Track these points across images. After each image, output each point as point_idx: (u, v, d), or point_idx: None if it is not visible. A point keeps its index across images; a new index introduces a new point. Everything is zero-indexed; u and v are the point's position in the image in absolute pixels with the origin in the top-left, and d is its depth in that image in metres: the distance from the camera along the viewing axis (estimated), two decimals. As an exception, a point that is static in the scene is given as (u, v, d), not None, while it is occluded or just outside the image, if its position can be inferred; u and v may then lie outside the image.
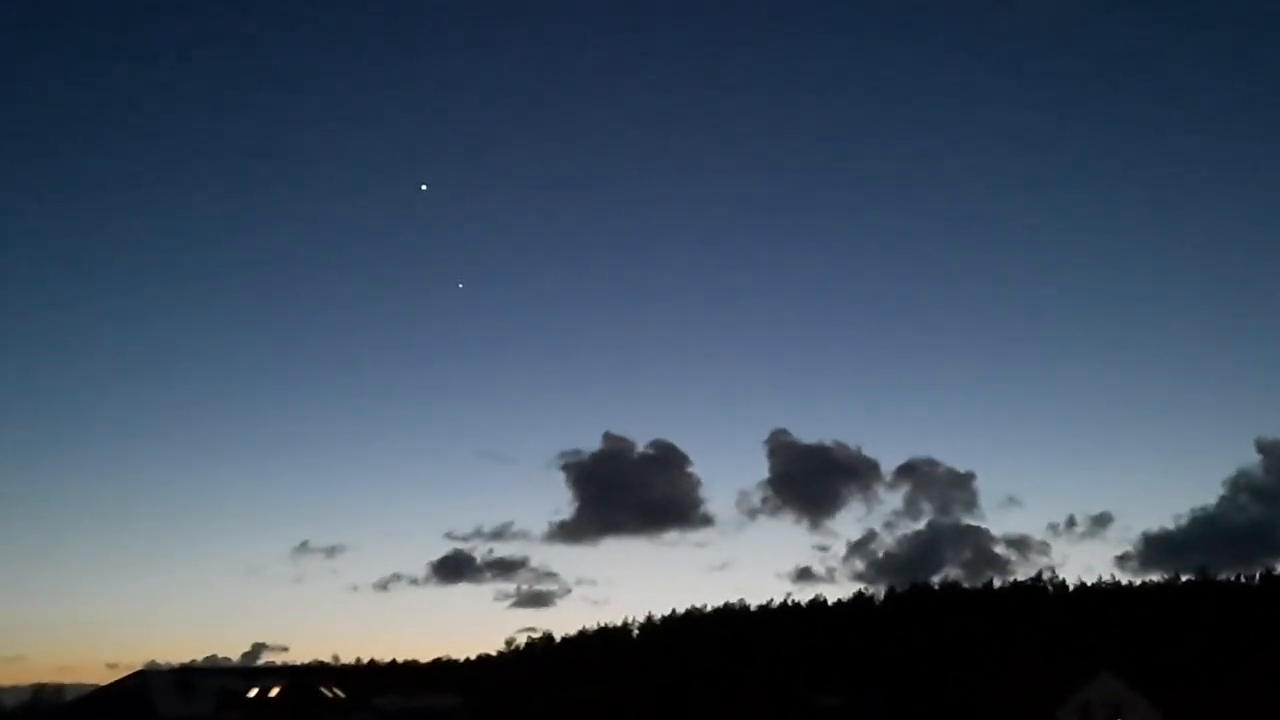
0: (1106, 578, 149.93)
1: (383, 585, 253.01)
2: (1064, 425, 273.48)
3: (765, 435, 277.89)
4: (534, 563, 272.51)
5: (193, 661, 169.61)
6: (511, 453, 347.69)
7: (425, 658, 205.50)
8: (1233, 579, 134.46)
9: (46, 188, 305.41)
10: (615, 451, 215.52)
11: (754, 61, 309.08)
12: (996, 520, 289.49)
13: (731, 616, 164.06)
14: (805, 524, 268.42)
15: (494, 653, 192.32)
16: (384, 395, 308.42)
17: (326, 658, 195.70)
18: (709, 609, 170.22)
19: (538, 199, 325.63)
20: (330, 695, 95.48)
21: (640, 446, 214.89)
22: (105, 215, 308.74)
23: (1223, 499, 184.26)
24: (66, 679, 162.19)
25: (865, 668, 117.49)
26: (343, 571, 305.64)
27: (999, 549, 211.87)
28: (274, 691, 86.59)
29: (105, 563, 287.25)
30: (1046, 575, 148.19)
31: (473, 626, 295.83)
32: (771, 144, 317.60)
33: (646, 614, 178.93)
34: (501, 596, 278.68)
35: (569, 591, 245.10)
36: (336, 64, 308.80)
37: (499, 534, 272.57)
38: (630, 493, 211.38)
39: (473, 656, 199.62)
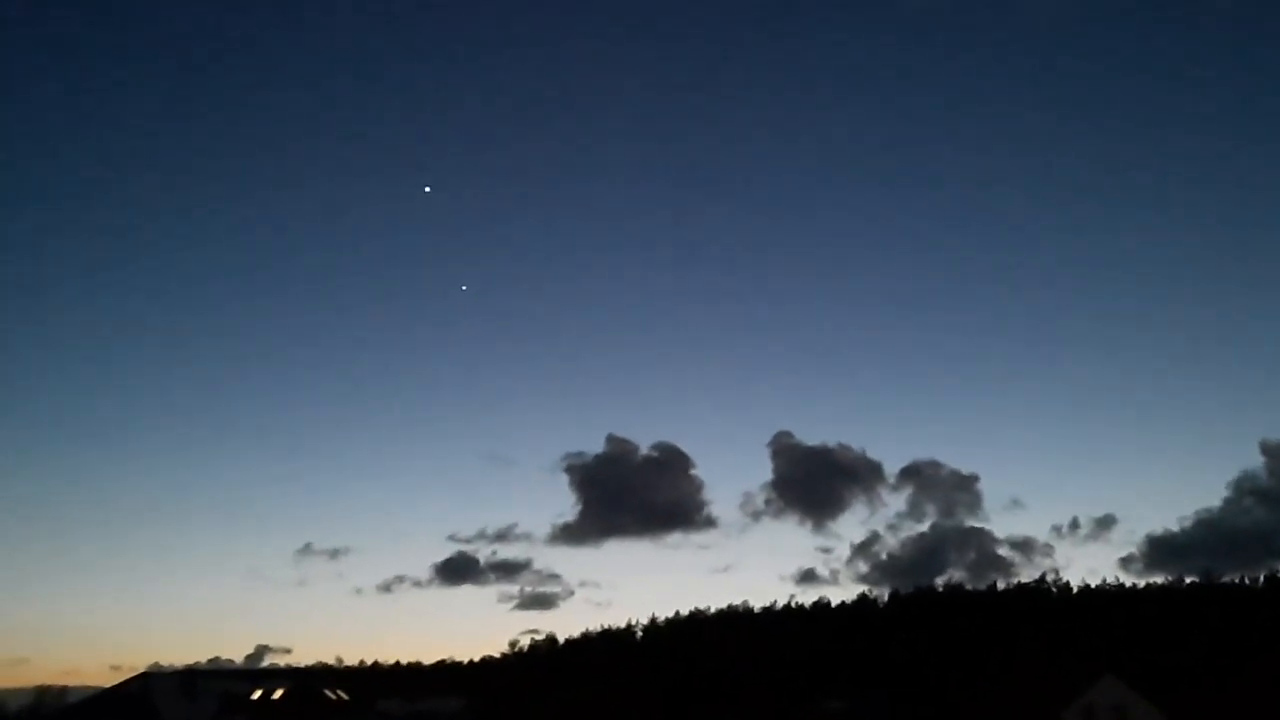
0: (1110, 580, 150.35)
1: (386, 587, 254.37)
2: (1068, 427, 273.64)
3: (769, 437, 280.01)
4: (537, 565, 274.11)
5: (196, 664, 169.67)
6: (515, 455, 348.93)
7: (429, 660, 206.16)
8: (1237, 581, 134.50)
9: (48, 190, 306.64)
10: (619, 454, 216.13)
11: (757, 63, 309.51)
12: (1000, 522, 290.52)
13: (735, 619, 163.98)
14: (809, 526, 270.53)
15: (497, 655, 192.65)
16: (387, 397, 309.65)
17: (330, 660, 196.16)
18: (712, 611, 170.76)
19: (541, 201, 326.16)
20: (334, 697, 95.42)
21: (644, 449, 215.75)
22: (109, 217, 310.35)
23: (1227, 501, 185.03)
24: (70, 681, 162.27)
25: (869, 670, 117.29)
26: (346, 574, 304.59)
27: (1003, 551, 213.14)
28: (277, 694, 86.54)
29: (108, 565, 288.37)
30: (1050, 577, 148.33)
31: (476, 628, 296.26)
32: (774, 146, 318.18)
33: (650, 616, 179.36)
34: (505, 598, 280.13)
35: (572, 593, 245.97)
36: (340, 66, 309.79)
37: (502, 536, 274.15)
38: (634, 495, 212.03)
39: (476, 659, 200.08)
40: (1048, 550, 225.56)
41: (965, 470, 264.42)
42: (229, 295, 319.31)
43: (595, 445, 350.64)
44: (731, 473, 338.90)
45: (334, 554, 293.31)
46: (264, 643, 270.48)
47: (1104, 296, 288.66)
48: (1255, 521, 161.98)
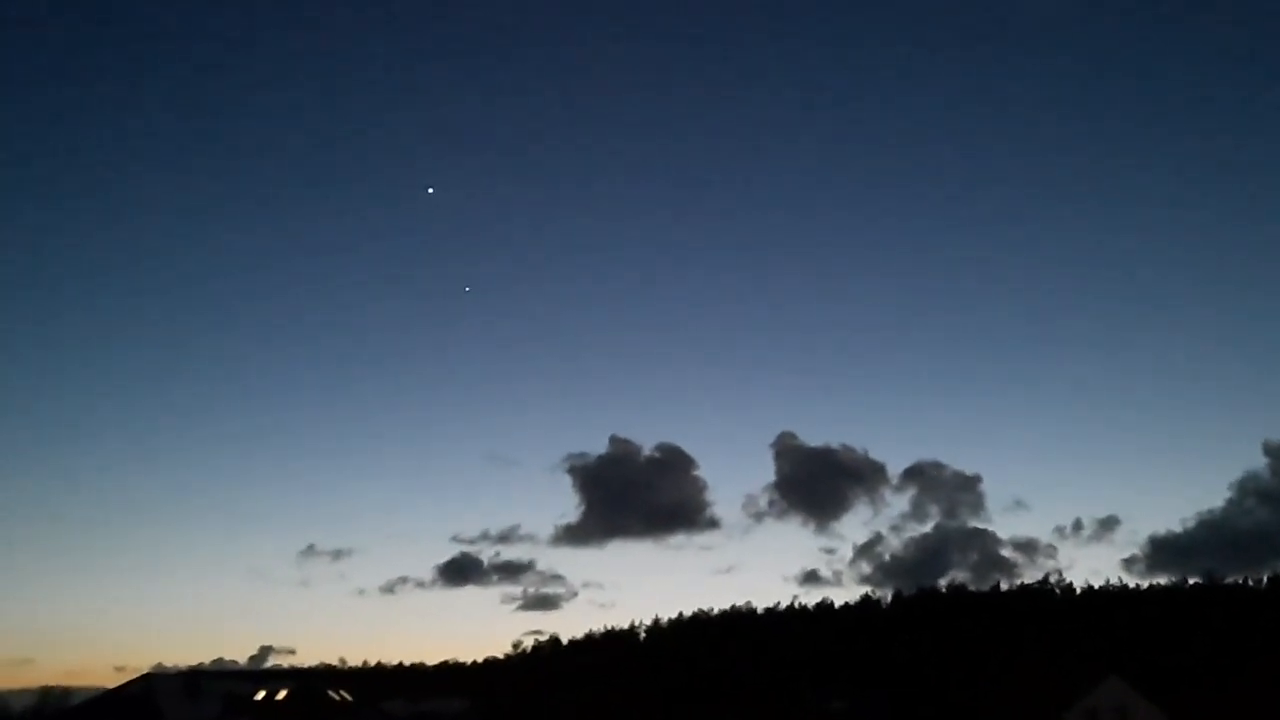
0: (1113, 581, 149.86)
1: (389, 588, 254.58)
2: (1071, 428, 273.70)
3: (771, 438, 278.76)
4: (540, 566, 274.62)
5: (200, 664, 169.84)
6: (518, 456, 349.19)
7: (432, 660, 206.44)
8: (1239, 582, 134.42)
9: (49, 191, 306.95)
10: (621, 454, 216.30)
11: (760, 65, 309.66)
12: (1003, 523, 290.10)
13: (738, 620, 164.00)
14: (811, 527, 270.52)
15: (501, 656, 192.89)
16: (390, 398, 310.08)
17: (333, 661, 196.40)
18: (715, 612, 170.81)
19: (544, 203, 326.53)
20: (337, 698, 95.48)
21: (646, 449, 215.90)
22: (110, 217, 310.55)
23: (1230, 502, 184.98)
24: (73, 682, 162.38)
25: (872, 671, 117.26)
26: (349, 575, 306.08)
27: (1006, 552, 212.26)
28: (281, 695, 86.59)
29: (112, 566, 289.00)
30: (1053, 578, 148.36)
31: (479, 629, 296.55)
32: (777, 147, 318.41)
33: (653, 617, 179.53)
34: (508, 599, 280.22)
35: (575, 594, 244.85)
36: (342, 67, 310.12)
37: (505, 537, 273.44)
38: (636, 496, 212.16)
39: (479, 659, 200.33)
40: (1050, 551, 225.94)
41: (968, 471, 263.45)
42: (231, 296, 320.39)
43: (598, 446, 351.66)
44: (734, 474, 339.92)
45: (337, 555, 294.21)
46: (267, 643, 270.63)
47: (1106, 297, 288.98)
48: (1258, 522, 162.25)
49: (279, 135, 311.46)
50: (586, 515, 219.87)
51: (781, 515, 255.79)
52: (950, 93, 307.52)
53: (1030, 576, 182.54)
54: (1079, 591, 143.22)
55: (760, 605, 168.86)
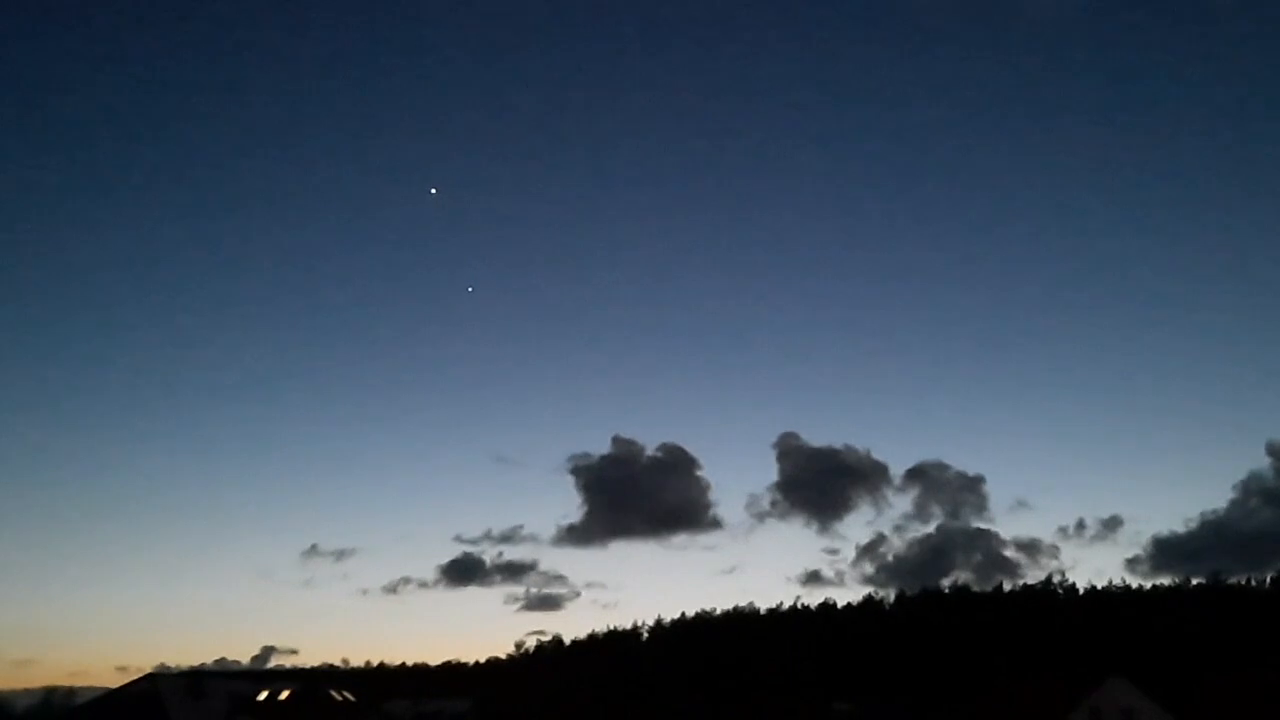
0: (1117, 581, 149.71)
1: (392, 588, 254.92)
2: (1074, 428, 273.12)
3: (774, 438, 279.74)
4: (543, 566, 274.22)
5: (203, 665, 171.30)
6: (521, 456, 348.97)
7: (435, 661, 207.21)
8: (1243, 582, 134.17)
9: (51, 191, 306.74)
10: (624, 455, 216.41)
11: (762, 66, 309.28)
12: (1006, 523, 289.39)
13: (740, 620, 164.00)
14: (814, 527, 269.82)
15: (503, 656, 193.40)
16: (393, 398, 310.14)
17: (336, 661, 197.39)
18: (718, 612, 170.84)
19: (547, 203, 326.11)
20: (340, 699, 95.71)
21: (649, 450, 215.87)
22: (114, 217, 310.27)
23: (1233, 502, 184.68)
24: (77, 682, 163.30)
25: (875, 672, 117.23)
26: (352, 575, 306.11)
27: (1009, 552, 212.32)
28: (284, 695, 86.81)
29: (115, 566, 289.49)
30: (1056, 579, 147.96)
31: (482, 630, 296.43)
32: (780, 147, 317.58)
33: (656, 617, 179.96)
34: (511, 600, 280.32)
35: (578, 595, 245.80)
36: (344, 67, 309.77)
37: (508, 537, 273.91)
38: (639, 496, 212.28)
39: (482, 660, 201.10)
40: (1054, 551, 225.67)
41: (971, 471, 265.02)
42: (233, 296, 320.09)
43: (601, 446, 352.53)
44: (737, 474, 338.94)
45: (340, 555, 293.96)
46: (270, 644, 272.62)
47: (1110, 298, 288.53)
48: (1262, 523, 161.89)
49: (280, 135, 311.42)
50: (589, 515, 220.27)
51: (784, 516, 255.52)
52: (953, 93, 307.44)
53: (1033, 577, 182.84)
54: (1082, 592, 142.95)
55: (763, 606, 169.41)
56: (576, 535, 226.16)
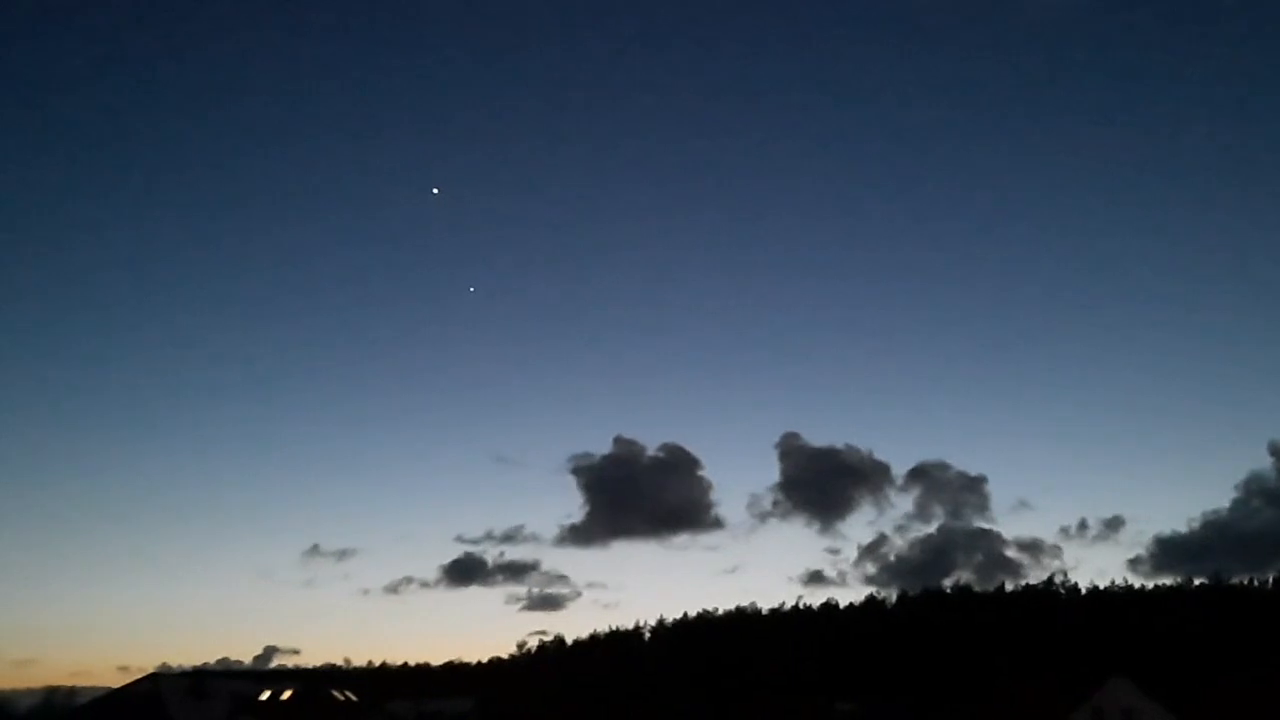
0: (1119, 581, 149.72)
1: (394, 588, 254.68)
2: (1076, 428, 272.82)
3: (776, 438, 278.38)
4: (545, 566, 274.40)
5: (205, 665, 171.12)
6: (522, 456, 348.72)
7: (437, 661, 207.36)
8: (1245, 582, 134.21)
9: (51, 191, 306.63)
10: (626, 455, 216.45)
11: (764, 67, 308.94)
12: (1008, 523, 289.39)
13: (742, 620, 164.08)
14: (816, 527, 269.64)
15: (505, 656, 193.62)
16: (395, 398, 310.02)
17: (338, 661, 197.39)
18: (720, 612, 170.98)
19: (549, 203, 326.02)
20: (342, 699, 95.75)
21: (651, 450, 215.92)
22: (116, 217, 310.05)
23: (1235, 502, 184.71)
24: (79, 682, 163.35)
25: (877, 672, 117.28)
26: (354, 575, 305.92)
27: (1010, 552, 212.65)
28: (286, 695, 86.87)
29: (117, 566, 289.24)
30: (1058, 579, 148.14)
31: (484, 630, 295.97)
32: (782, 147, 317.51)
33: (657, 617, 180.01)
34: (513, 600, 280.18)
35: (580, 595, 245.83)
36: (347, 68, 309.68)
37: (510, 537, 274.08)
38: (641, 496, 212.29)
39: (484, 660, 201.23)
40: (1056, 551, 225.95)
41: (973, 471, 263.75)
42: (235, 295, 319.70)
43: (603, 446, 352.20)
44: (739, 474, 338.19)
45: (342, 555, 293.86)
46: (272, 644, 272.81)
47: (1112, 297, 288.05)
48: (1264, 523, 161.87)
49: (280, 135, 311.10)
50: (591, 515, 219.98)
51: (786, 515, 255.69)
52: (953, 93, 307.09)
53: (1035, 577, 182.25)
54: (1084, 592, 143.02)
55: (765, 606, 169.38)
56: (578, 535, 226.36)
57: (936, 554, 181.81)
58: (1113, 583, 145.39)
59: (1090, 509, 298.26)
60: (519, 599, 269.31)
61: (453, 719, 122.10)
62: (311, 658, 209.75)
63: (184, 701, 76.48)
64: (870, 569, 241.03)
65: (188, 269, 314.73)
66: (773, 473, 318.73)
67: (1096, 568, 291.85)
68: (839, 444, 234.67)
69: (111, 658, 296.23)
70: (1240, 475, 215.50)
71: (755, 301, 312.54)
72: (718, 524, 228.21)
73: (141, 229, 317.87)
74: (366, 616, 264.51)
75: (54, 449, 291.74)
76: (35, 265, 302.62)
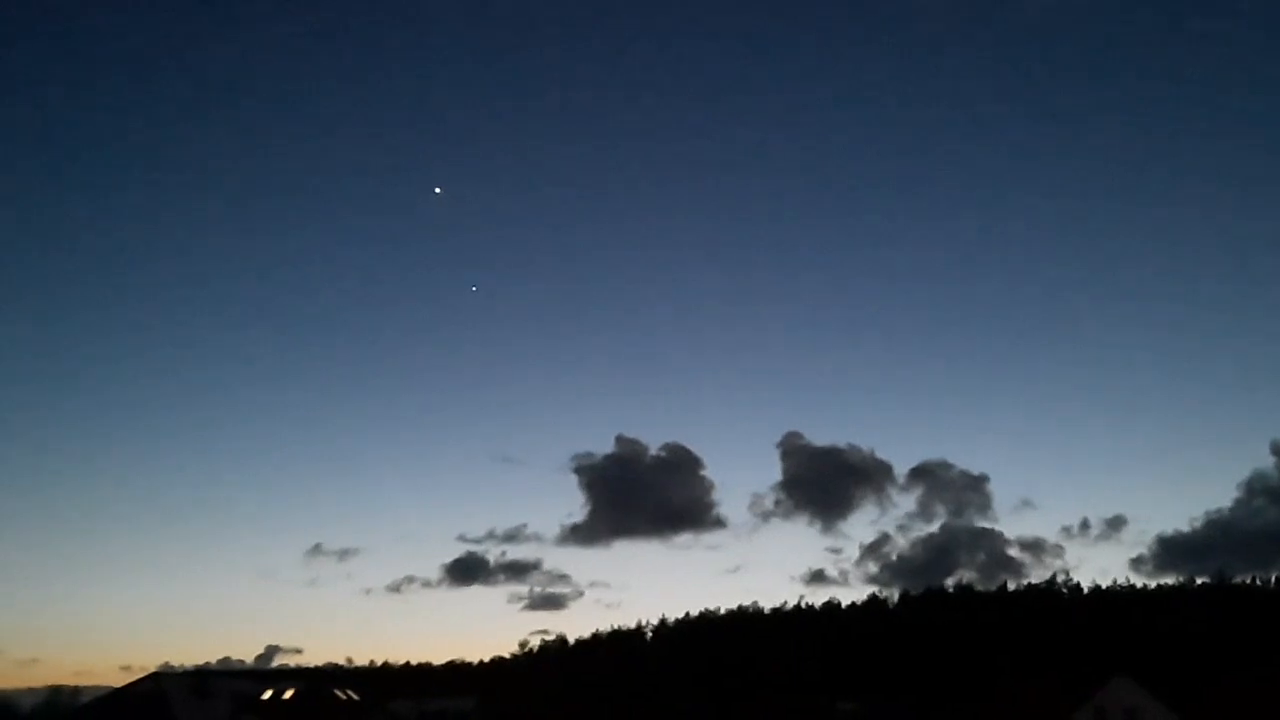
0: (1121, 581, 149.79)
1: (396, 588, 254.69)
2: (1078, 428, 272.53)
3: (778, 438, 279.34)
4: (547, 565, 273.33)
5: (207, 664, 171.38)
6: (524, 455, 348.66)
7: (439, 660, 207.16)
8: (1248, 582, 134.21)
9: (54, 191, 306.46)
10: (628, 454, 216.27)
11: (764, 67, 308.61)
12: (1010, 523, 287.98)
13: (745, 619, 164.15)
14: (818, 527, 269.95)
15: (507, 655, 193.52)
16: (396, 398, 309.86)
17: (340, 660, 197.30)
18: (722, 612, 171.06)
19: (551, 202, 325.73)
20: (344, 698, 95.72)
21: (653, 449, 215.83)
22: (118, 217, 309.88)
23: (1238, 501, 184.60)
24: (82, 681, 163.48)
25: (880, 671, 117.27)
26: (356, 574, 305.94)
27: (1013, 552, 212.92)
28: (288, 694, 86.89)
29: (120, 566, 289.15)
30: (1061, 578, 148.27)
31: (486, 629, 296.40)
32: (783, 147, 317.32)
33: (660, 616, 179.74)
34: (515, 599, 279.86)
35: (582, 594, 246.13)
36: (349, 67, 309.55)
37: (512, 537, 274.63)
38: (643, 495, 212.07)
39: (486, 659, 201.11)
40: (1058, 551, 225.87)
41: (975, 471, 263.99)
42: (236, 295, 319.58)
43: (605, 446, 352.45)
44: (741, 473, 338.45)
45: (344, 554, 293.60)
46: (274, 643, 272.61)
47: (1114, 296, 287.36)
48: (1266, 522, 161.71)
49: (284, 134, 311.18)
50: (593, 515, 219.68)
51: (788, 515, 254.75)
52: (953, 93, 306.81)
53: (1038, 576, 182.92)
54: (1086, 591, 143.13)
55: (767, 605, 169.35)
56: (580, 535, 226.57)
57: (938, 553, 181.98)
58: (1115, 582, 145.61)
59: (1092, 508, 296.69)
60: (521, 598, 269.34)
61: (455, 718, 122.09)
62: (314, 657, 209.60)
63: (186, 701, 76.50)
64: (872, 568, 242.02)
65: (188, 269, 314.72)
66: (775, 472, 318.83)
67: (1099, 567, 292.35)
68: (841, 443, 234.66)
69: (114, 657, 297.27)
70: (1243, 474, 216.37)
71: (757, 301, 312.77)
72: (720, 523, 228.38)
73: (141, 229, 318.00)
74: (368, 616, 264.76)
75: (55, 449, 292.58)
76: (35, 265, 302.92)
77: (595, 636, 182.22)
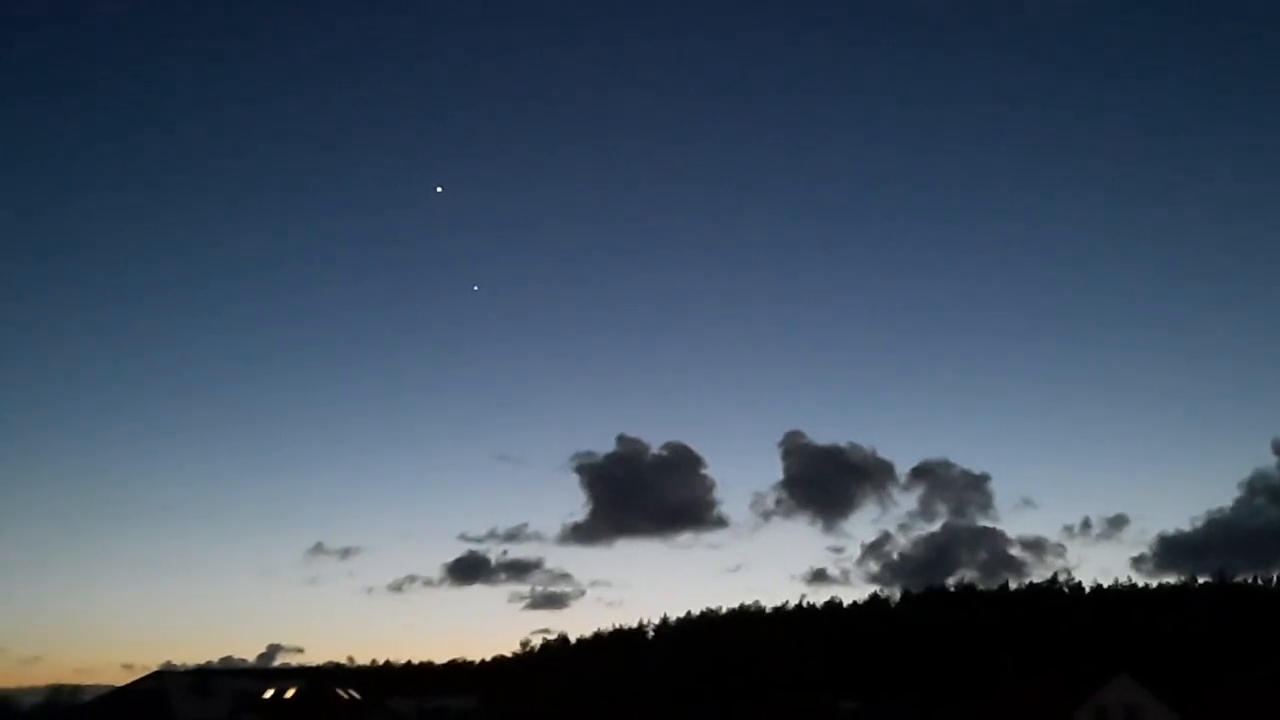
0: (1122, 580, 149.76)
1: (397, 587, 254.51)
2: (1079, 427, 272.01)
3: (780, 437, 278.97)
4: (548, 564, 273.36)
5: (209, 663, 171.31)
6: (526, 454, 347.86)
7: (440, 659, 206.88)
8: (1249, 581, 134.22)
9: (54, 189, 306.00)
10: (629, 453, 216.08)
11: (764, 67, 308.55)
12: (1011, 522, 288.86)
13: (746, 618, 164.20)
14: (820, 526, 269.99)
15: (509, 654, 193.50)
16: (398, 397, 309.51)
17: (342, 659, 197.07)
18: (723, 611, 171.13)
19: (553, 202, 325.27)
20: (346, 697, 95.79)
21: (654, 448, 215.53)
22: (118, 216, 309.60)
23: (1239, 501, 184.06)
24: (83, 680, 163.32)
25: (881, 670, 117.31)
26: (358, 573, 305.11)
27: (1014, 551, 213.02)
28: (290, 693, 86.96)
29: (121, 564, 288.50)
30: (1062, 577, 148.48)
31: (487, 628, 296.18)
32: (784, 147, 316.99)
33: (661, 615, 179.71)
34: (516, 598, 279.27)
35: (583, 593, 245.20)
36: (350, 66, 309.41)
37: (513, 536, 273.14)
38: (644, 495, 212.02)
39: (488, 658, 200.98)
40: (1059, 550, 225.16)
41: (976, 470, 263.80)
42: (237, 294, 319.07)
43: (606, 445, 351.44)
44: (742, 472, 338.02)
45: (345, 553, 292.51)
46: (275, 642, 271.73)
47: (1115, 295, 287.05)
48: (1268, 521, 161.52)
49: (281, 135, 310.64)
50: (594, 514, 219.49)
51: (789, 514, 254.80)
52: (953, 93, 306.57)
53: (1039, 575, 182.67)
54: (1088, 590, 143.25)
55: (768, 604, 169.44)
56: (581, 533, 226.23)
57: (940, 552, 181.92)
58: (1116, 581, 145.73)
59: (1094, 507, 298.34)
60: (522, 597, 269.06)
61: (456, 717, 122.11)
62: (315, 656, 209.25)
63: (188, 699, 76.57)
64: (874, 567, 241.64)
65: (188, 269, 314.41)
66: (776, 471, 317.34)
67: (1100, 566, 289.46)
68: (842, 442, 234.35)
69: (115, 656, 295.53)
70: (1244, 473, 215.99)
71: (758, 300, 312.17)
72: (721, 522, 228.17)
73: (142, 228, 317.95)
74: (370, 615, 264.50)
75: (55, 448, 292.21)
76: (35, 265, 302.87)
77: (597, 636, 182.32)
